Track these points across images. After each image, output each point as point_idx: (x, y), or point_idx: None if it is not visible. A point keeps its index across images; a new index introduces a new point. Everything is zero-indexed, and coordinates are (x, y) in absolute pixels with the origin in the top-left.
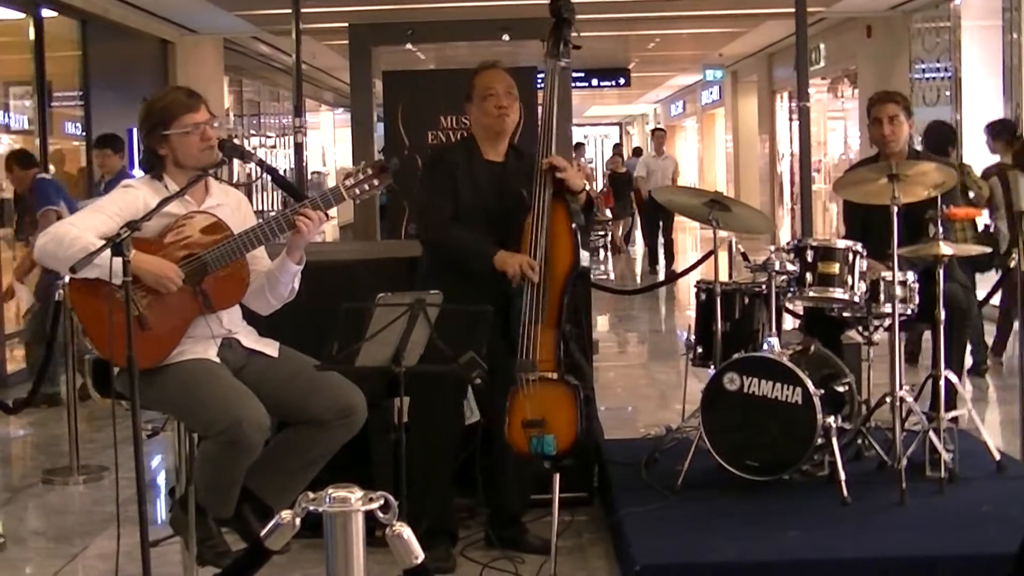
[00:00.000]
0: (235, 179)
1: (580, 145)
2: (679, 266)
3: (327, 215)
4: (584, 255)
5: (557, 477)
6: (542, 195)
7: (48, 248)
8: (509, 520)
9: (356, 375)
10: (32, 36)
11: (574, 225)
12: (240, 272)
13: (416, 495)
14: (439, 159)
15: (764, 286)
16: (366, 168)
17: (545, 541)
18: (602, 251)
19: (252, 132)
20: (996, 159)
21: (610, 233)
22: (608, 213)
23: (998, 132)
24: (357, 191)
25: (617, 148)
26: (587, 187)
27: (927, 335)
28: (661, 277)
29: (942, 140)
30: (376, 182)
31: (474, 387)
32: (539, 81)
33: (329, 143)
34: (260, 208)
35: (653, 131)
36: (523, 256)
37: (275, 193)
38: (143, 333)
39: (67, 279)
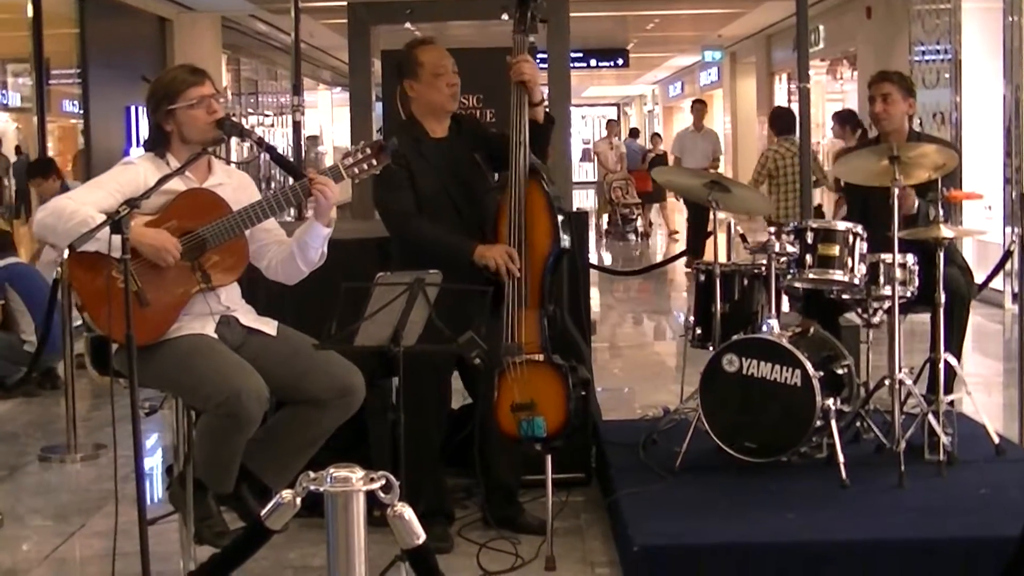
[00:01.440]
0: (233, 157)
1: (612, 122)
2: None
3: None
4: (565, 234)
5: (549, 459)
6: (519, 161)
7: (47, 222)
8: (505, 500)
9: (354, 354)
10: (30, 13)
11: (551, 203)
12: (239, 249)
13: (411, 476)
14: None
15: (763, 268)
16: (365, 148)
17: (541, 522)
18: (632, 236)
19: (250, 111)
20: (841, 144)
21: (639, 218)
22: (635, 196)
23: (845, 121)
24: (356, 170)
25: (640, 135)
26: (544, 100)
27: (925, 318)
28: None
29: (784, 125)
30: (375, 162)
31: (465, 370)
32: (538, 60)
33: (327, 122)
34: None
35: (693, 103)
36: (502, 247)
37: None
38: (142, 309)
39: (66, 255)
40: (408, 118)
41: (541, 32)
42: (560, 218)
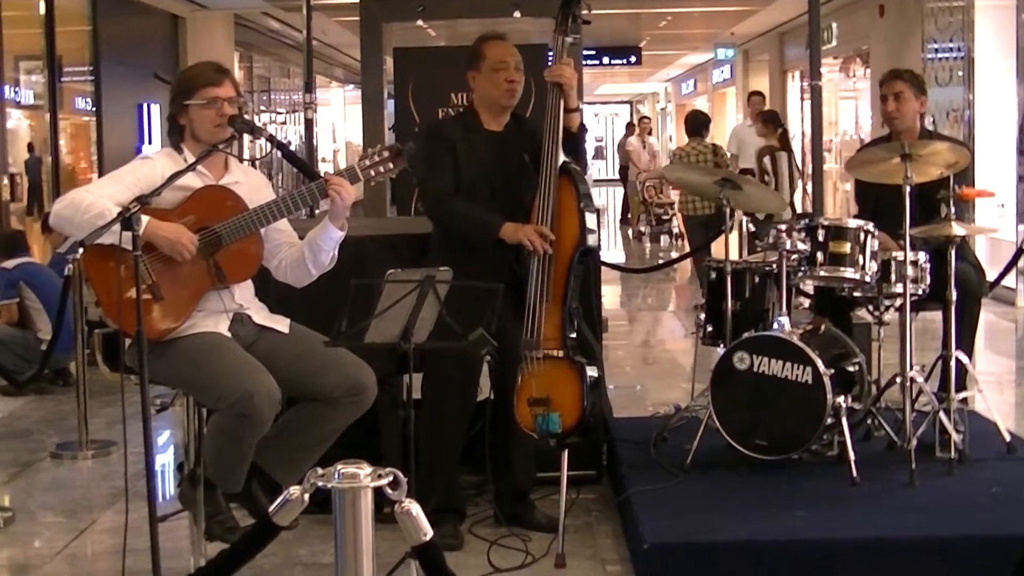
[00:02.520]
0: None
1: (645, 119)
2: None
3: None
4: (591, 232)
5: (565, 455)
6: (550, 160)
7: (64, 213)
8: (517, 497)
9: (365, 352)
10: (42, 10)
11: (581, 202)
12: (254, 247)
13: (425, 472)
14: (436, 134)
15: (775, 265)
16: (382, 151)
17: (552, 519)
18: (666, 238)
19: (262, 108)
20: (763, 142)
21: (674, 218)
22: (669, 195)
23: (768, 120)
24: (372, 172)
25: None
26: (580, 107)
27: (937, 316)
28: None
29: (694, 127)
30: (391, 165)
31: (489, 364)
32: (550, 59)
33: (339, 120)
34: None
35: (751, 95)
36: (532, 225)
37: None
38: (155, 304)
39: (80, 253)
40: (467, 107)
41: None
42: (589, 216)
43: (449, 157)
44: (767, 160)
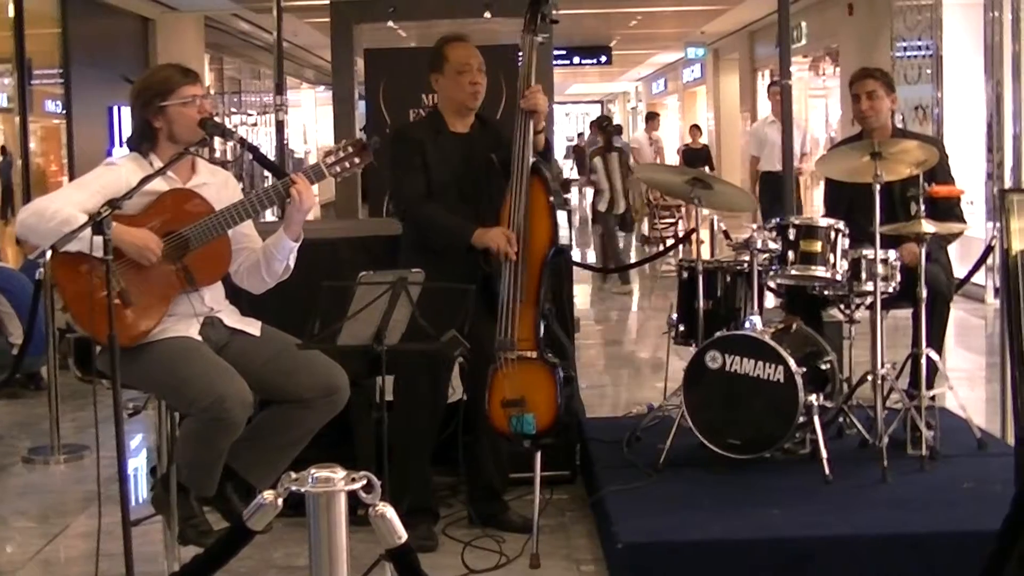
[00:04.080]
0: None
1: (654, 115)
2: None
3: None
4: (562, 232)
5: (538, 456)
6: (521, 161)
7: (29, 222)
8: (490, 498)
9: (338, 354)
10: (12, 13)
11: (552, 201)
12: (223, 249)
13: (398, 474)
14: (405, 137)
15: (746, 264)
16: (347, 147)
17: (526, 519)
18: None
19: (233, 110)
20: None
21: (681, 220)
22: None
23: (600, 125)
24: (338, 169)
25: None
26: (545, 127)
27: (907, 314)
28: None
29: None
30: (357, 160)
31: (461, 365)
32: (520, 58)
33: (311, 121)
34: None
35: (771, 84)
36: (501, 228)
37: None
38: (125, 309)
39: (48, 256)
40: (433, 110)
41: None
42: (559, 217)
43: (419, 159)
44: (598, 160)
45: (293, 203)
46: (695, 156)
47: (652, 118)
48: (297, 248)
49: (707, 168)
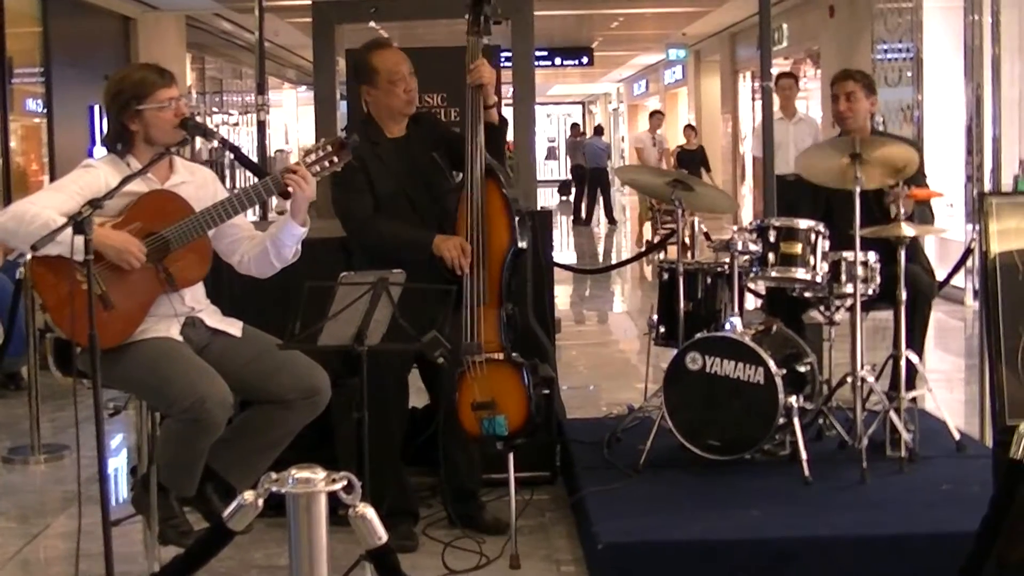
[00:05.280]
0: (195, 155)
1: (658, 113)
2: None
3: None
4: (522, 234)
5: (511, 457)
6: (475, 163)
7: (8, 226)
8: (465, 499)
9: (319, 354)
10: None
11: (508, 202)
12: (202, 249)
13: (374, 475)
14: None
15: (727, 266)
16: (326, 145)
17: (500, 520)
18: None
19: (214, 110)
20: None
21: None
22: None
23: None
24: (317, 168)
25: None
26: (497, 102)
27: (888, 315)
28: None
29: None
30: (336, 159)
31: (426, 368)
32: (502, 59)
33: (292, 121)
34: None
35: (778, 77)
36: (457, 238)
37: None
38: (105, 313)
39: (28, 257)
40: (365, 119)
41: (504, 31)
42: (517, 219)
43: (362, 176)
44: None
45: (295, 194)
46: (690, 157)
47: (655, 115)
48: (302, 233)
49: (703, 169)
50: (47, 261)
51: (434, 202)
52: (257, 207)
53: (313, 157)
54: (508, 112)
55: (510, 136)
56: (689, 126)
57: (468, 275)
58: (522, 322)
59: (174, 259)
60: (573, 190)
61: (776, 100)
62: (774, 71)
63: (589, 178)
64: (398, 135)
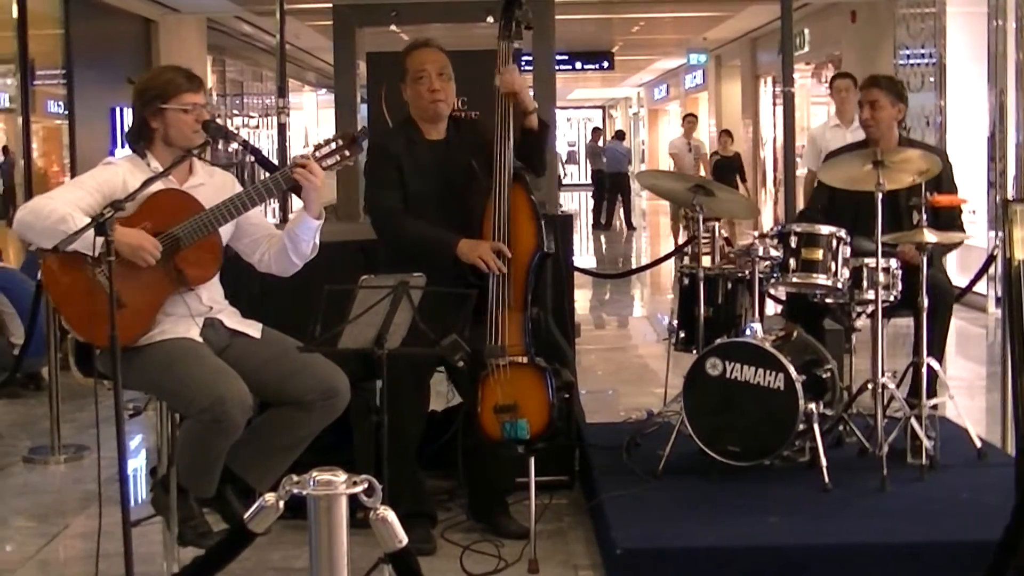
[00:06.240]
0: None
1: (692, 117)
2: None
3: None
4: (548, 237)
5: (532, 461)
6: (503, 167)
7: (26, 220)
8: (489, 503)
9: (337, 357)
10: (15, 14)
11: (535, 207)
12: (212, 246)
13: (392, 478)
14: (381, 149)
15: (747, 272)
16: (337, 139)
17: (523, 527)
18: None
19: (235, 112)
20: None
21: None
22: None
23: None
24: (327, 162)
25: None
26: (536, 107)
27: (909, 322)
28: None
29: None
30: (347, 153)
31: (453, 371)
32: (523, 63)
33: (312, 124)
34: None
35: (834, 78)
36: (487, 243)
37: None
38: (118, 311)
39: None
40: (406, 119)
41: (526, 35)
42: (543, 223)
43: (395, 172)
44: None
45: (304, 185)
46: (727, 165)
47: (688, 119)
48: (318, 227)
49: (738, 178)
50: (58, 264)
51: (463, 207)
52: (278, 209)
53: (324, 151)
54: None
55: None
56: (725, 131)
57: (493, 277)
58: (544, 327)
59: (185, 257)
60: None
61: (831, 105)
62: (795, 77)
63: (610, 183)
64: (436, 138)
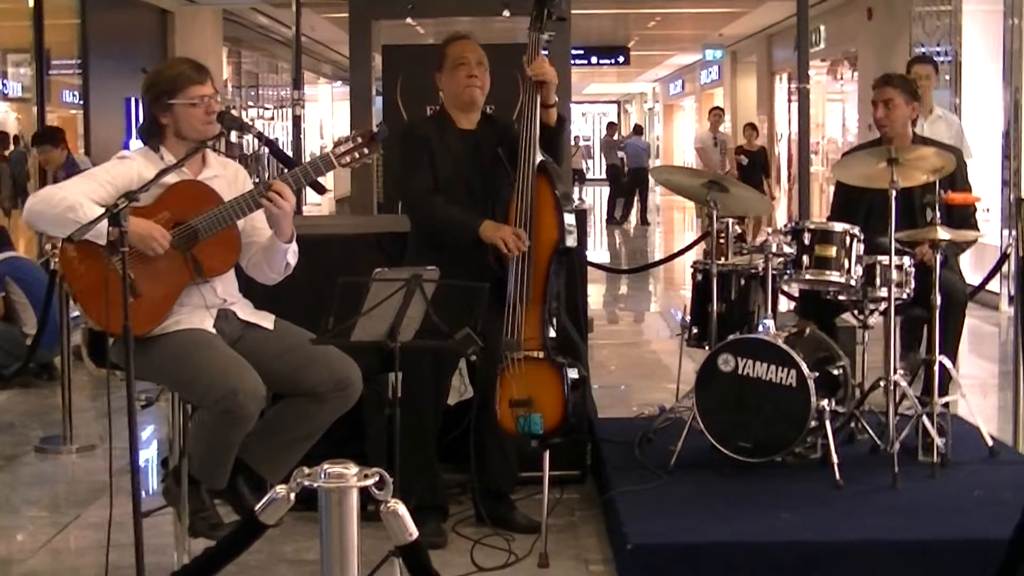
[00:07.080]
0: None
1: (718, 110)
2: None
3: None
4: (571, 233)
5: (547, 456)
6: (528, 159)
7: (37, 208)
8: (498, 497)
9: (351, 349)
10: (31, 4)
11: (559, 201)
12: (231, 239)
13: (404, 471)
14: (411, 133)
15: (760, 268)
16: (356, 136)
17: (533, 521)
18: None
19: (250, 104)
20: None
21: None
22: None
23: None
24: (347, 159)
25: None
26: (557, 101)
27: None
28: None
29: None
30: (367, 150)
31: (469, 364)
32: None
33: (327, 116)
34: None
35: (912, 62)
36: (510, 227)
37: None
38: (134, 300)
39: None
40: (440, 109)
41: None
42: (567, 216)
43: (426, 156)
44: None
45: (269, 211)
46: (752, 160)
47: (714, 112)
48: (290, 249)
49: (763, 175)
50: (76, 252)
51: (490, 195)
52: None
53: (343, 148)
54: None
55: None
56: (750, 125)
57: (513, 271)
58: (560, 322)
59: (202, 248)
60: (607, 189)
61: (846, 102)
62: (811, 74)
63: (629, 178)
64: (469, 128)
